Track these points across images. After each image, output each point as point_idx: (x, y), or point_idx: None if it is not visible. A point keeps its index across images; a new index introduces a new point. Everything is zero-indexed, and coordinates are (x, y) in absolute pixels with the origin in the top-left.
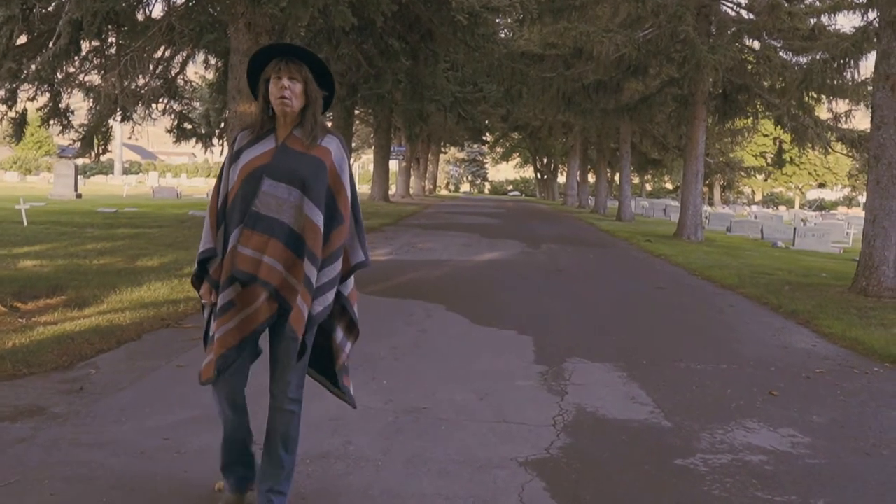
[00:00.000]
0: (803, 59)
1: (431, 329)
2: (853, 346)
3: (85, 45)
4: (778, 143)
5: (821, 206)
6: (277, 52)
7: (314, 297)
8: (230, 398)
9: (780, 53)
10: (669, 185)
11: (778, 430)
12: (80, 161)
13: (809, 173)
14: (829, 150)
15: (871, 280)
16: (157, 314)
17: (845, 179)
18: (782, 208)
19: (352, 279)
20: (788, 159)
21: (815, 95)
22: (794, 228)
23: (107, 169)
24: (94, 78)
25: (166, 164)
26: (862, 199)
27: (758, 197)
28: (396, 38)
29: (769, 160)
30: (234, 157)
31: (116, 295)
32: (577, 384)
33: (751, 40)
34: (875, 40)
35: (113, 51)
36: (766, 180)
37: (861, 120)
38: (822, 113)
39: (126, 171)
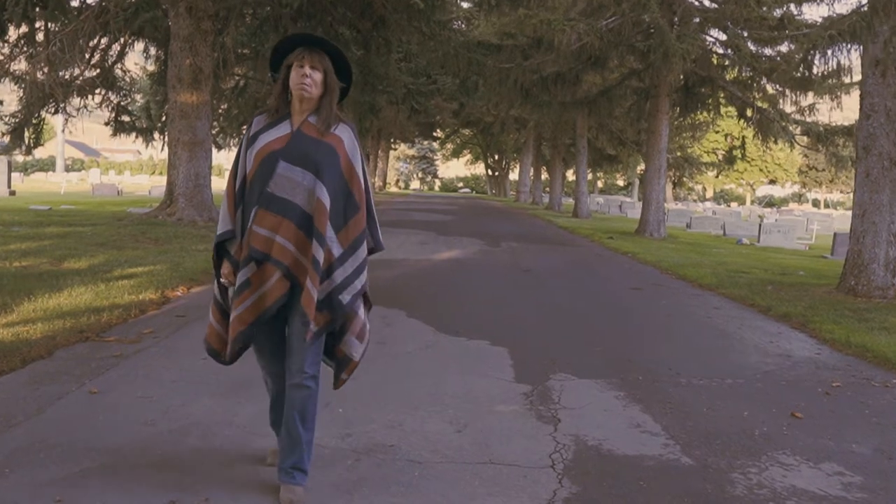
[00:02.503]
0: (768, 51)
1: (391, 340)
2: (861, 354)
3: (15, 32)
4: (730, 140)
5: (770, 202)
6: (302, 41)
7: (344, 287)
8: (270, 371)
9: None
10: (621, 182)
11: (819, 465)
12: (20, 157)
13: (760, 170)
14: (795, 143)
15: (860, 279)
16: (74, 325)
17: (795, 176)
18: (734, 204)
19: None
20: (739, 156)
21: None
22: (760, 225)
23: (48, 166)
24: (26, 67)
25: (110, 162)
26: (811, 195)
27: (709, 193)
28: (347, 25)
29: (720, 156)
30: (251, 141)
31: (30, 303)
32: (569, 408)
33: (716, 31)
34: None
35: (41, 36)
36: (717, 176)
37: (821, 114)
38: (786, 106)
39: (68, 169)
